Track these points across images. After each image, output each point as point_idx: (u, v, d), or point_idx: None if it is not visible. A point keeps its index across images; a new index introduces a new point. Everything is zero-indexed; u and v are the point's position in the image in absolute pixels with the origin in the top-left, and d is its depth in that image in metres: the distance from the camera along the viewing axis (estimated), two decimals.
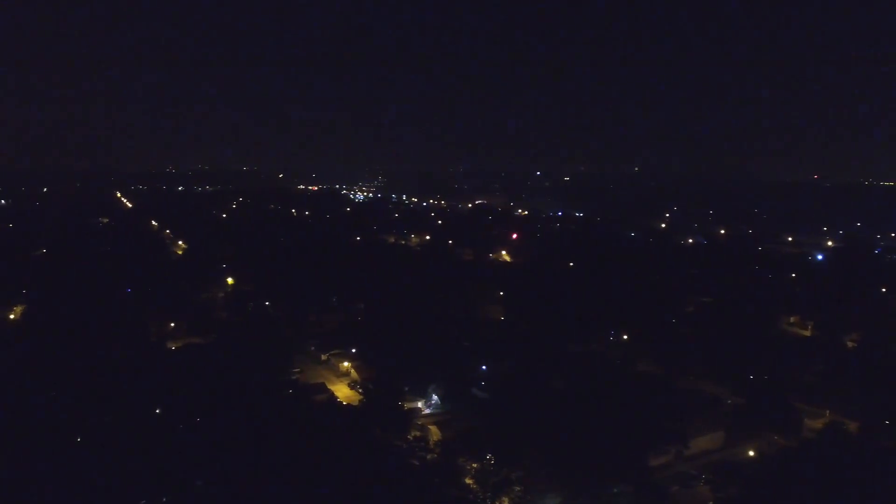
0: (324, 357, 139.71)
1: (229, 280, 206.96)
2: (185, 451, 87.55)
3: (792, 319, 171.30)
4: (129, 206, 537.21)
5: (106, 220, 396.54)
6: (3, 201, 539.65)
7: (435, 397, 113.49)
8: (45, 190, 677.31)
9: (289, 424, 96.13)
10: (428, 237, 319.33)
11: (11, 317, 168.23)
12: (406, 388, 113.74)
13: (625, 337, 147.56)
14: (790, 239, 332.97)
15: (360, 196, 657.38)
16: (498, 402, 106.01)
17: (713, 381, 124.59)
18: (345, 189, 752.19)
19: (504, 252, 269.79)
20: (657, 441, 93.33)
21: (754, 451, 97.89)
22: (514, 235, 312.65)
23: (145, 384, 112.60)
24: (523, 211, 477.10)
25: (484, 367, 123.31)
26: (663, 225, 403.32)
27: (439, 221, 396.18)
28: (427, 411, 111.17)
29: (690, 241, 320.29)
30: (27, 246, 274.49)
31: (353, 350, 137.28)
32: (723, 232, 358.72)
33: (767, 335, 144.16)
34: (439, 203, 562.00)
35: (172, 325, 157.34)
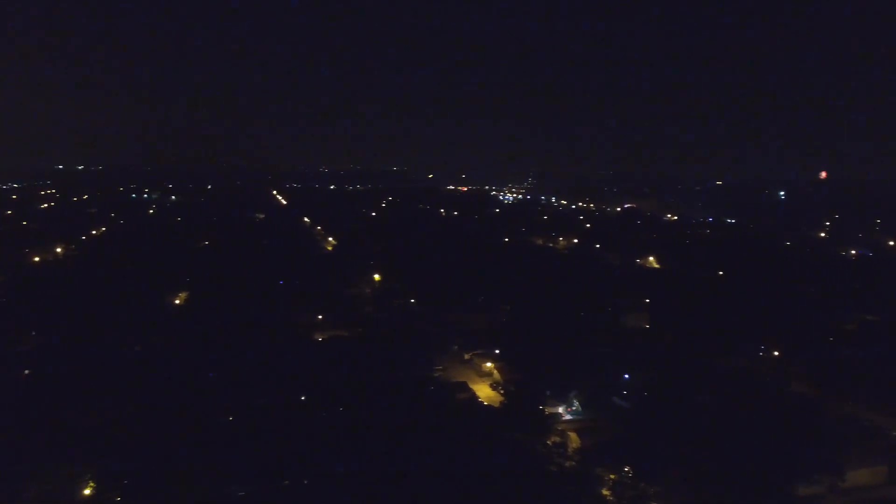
0: (467, 356, 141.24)
1: (376, 276, 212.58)
2: (327, 438, 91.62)
3: None
4: (284, 203, 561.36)
5: (262, 216, 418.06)
6: (173, 197, 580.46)
7: (576, 403, 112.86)
8: (209, 187, 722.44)
9: (429, 421, 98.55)
10: (575, 240, 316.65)
11: (177, 302, 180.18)
12: (548, 392, 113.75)
13: (776, 353, 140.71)
14: None
15: (509, 197, 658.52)
16: (640, 413, 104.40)
17: (876, 409, 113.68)
18: (494, 190, 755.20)
19: (652, 258, 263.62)
20: (808, 469, 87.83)
21: None
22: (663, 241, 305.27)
23: (292, 372, 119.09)
24: (673, 216, 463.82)
25: (627, 376, 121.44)
26: (823, 234, 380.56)
27: (587, 225, 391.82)
28: (568, 417, 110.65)
29: (853, 252, 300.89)
30: (192, 238, 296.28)
31: (497, 351, 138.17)
32: (892, 243, 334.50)
33: None
34: (588, 206, 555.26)
35: (320, 317, 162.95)
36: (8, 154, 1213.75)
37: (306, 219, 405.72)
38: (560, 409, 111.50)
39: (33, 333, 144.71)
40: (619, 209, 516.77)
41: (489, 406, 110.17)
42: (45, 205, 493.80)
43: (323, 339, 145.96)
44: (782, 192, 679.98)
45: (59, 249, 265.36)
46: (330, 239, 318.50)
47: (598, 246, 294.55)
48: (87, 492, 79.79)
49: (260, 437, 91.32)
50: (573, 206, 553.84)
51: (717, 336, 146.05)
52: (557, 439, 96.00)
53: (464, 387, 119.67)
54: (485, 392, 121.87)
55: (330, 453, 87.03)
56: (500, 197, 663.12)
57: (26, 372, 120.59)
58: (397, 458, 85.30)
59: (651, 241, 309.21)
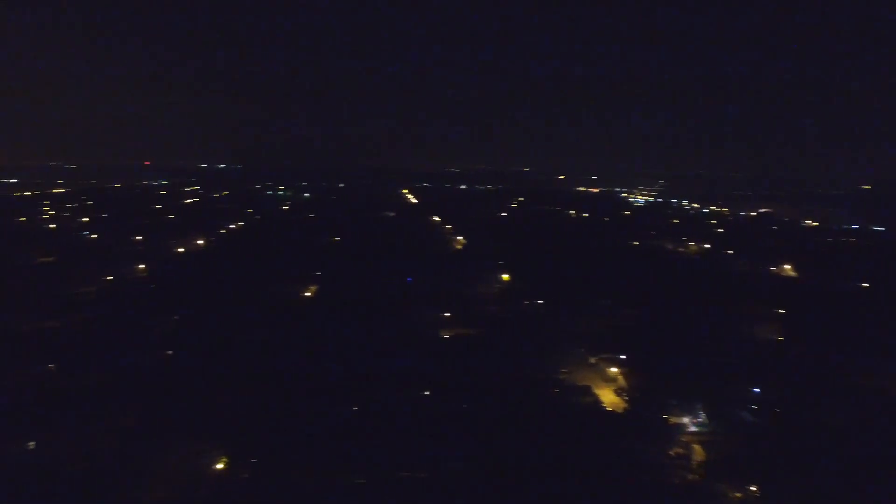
0: (592, 360, 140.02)
1: (504, 276, 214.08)
2: (448, 434, 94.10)
3: None
4: (414, 201, 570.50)
5: (392, 214, 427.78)
6: (306, 194, 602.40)
7: (702, 415, 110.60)
8: (341, 185, 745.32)
9: (551, 423, 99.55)
10: (707, 245, 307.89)
11: (307, 294, 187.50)
12: (673, 402, 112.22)
13: None
14: None
15: (639, 200, 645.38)
16: (769, 430, 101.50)
17: None
18: (624, 192, 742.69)
19: (788, 266, 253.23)
20: None
21: None
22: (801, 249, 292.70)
23: (417, 367, 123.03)
24: (812, 222, 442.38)
25: (757, 390, 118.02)
26: None
27: (720, 229, 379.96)
28: (693, 429, 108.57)
29: None
30: (324, 234, 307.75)
31: (623, 357, 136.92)
32: None
33: None
34: (721, 210, 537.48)
35: (447, 314, 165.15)
36: (158, 155, 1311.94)
37: (436, 217, 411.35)
38: (685, 420, 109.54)
39: (175, 318, 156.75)
40: (753, 213, 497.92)
41: (612, 412, 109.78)
42: (189, 200, 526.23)
43: (449, 336, 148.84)
44: None
45: (200, 241, 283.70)
46: (459, 238, 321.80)
47: (730, 252, 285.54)
48: (219, 466, 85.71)
49: (381, 429, 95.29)
50: (705, 210, 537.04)
51: (857, 353, 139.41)
52: (681, 451, 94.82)
53: (588, 391, 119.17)
54: (609, 398, 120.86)
55: (450, 449, 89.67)
56: (630, 199, 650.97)
57: (169, 352, 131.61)
58: (517, 459, 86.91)
59: (788, 248, 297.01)
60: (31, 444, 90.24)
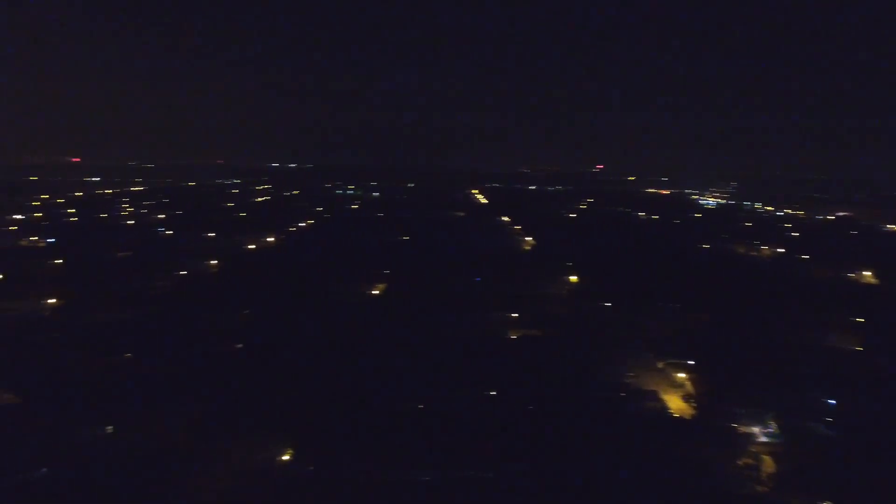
0: (660, 365, 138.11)
1: (572, 278, 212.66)
2: (514, 435, 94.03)
3: None
4: (484, 202, 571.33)
5: (461, 214, 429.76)
6: (375, 194, 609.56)
7: (773, 425, 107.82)
8: (410, 185, 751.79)
9: (617, 427, 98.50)
10: (781, 250, 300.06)
11: (375, 293, 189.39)
12: (743, 411, 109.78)
13: None
14: None
15: (710, 202, 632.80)
16: (843, 444, 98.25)
17: None
18: (695, 194, 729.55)
19: (868, 273, 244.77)
20: None
21: None
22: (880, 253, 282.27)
23: (484, 367, 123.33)
24: (895, 226, 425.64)
25: (833, 402, 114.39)
26: None
27: (794, 233, 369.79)
28: (763, 439, 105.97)
29: None
30: (392, 232, 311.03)
31: (692, 362, 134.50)
32: None
33: None
34: (796, 212, 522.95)
35: (515, 315, 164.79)
36: (231, 155, 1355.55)
37: (505, 218, 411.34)
38: (755, 430, 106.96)
39: (246, 312, 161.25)
40: (831, 217, 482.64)
41: (679, 418, 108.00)
42: (260, 199, 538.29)
43: (516, 336, 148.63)
44: None
45: (270, 238, 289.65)
46: (528, 238, 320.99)
47: (806, 257, 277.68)
48: (285, 458, 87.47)
49: (447, 428, 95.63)
50: (780, 213, 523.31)
51: None
52: (750, 461, 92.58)
53: (654, 396, 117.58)
54: (676, 403, 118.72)
55: (514, 450, 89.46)
56: (701, 201, 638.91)
57: (239, 345, 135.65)
58: (580, 462, 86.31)
59: (868, 253, 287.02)
60: (109, 429, 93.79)
